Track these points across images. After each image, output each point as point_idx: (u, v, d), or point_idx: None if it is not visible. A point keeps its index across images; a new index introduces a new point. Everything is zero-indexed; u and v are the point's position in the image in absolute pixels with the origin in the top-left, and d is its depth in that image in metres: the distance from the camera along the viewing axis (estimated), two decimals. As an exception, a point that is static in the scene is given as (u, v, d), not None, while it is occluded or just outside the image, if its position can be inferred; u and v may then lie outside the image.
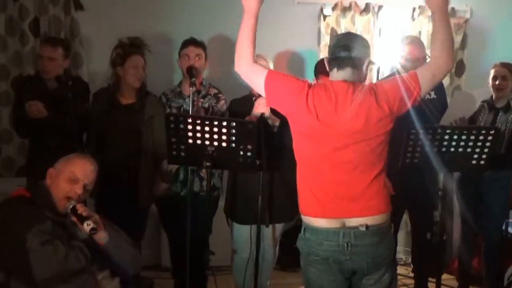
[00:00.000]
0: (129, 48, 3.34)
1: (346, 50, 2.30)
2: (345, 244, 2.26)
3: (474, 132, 2.91)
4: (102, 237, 2.37)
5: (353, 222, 2.27)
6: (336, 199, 2.28)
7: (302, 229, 2.39)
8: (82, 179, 2.44)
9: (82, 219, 2.30)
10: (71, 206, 2.33)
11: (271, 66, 3.37)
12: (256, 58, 3.29)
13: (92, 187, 2.52)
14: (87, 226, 2.28)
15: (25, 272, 2.22)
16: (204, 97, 3.52)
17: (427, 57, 3.43)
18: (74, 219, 2.32)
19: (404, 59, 3.53)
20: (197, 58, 3.48)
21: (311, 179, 2.34)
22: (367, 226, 2.25)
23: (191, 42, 3.52)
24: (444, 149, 2.92)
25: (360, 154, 2.26)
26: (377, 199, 2.30)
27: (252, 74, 2.38)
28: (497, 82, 3.71)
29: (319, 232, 2.30)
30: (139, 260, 2.67)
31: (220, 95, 3.57)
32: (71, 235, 2.37)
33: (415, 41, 3.59)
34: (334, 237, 2.27)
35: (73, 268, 2.28)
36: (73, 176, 2.42)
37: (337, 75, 2.32)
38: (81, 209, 2.33)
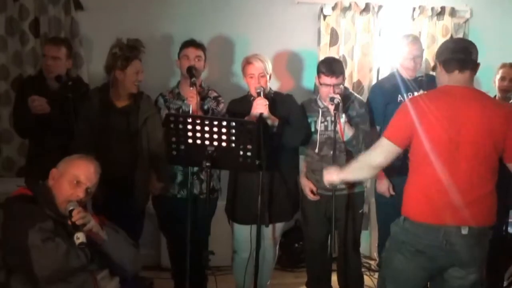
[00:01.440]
0: (130, 52, 3.25)
1: (466, 53, 2.32)
2: (445, 241, 2.30)
3: None
4: (98, 239, 2.37)
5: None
6: (444, 205, 2.31)
7: (402, 217, 2.41)
8: (85, 182, 2.43)
9: (75, 228, 2.28)
10: (69, 210, 2.32)
11: (270, 66, 3.35)
12: (253, 59, 3.31)
13: (95, 189, 2.51)
14: (77, 239, 2.25)
15: (27, 269, 2.21)
16: (203, 99, 3.51)
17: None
18: (70, 223, 2.31)
19: (404, 58, 3.54)
20: (197, 59, 3.45)
21: (423, 183, 2.37)
22: (469, 228, 2.29)
23: (192, 43, 3.50)
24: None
25: (473, 165, 2.29)
26: (484, 212, 2.34)
27: (383, 152, 2.43)
28: (505, 84, 3.68)
29: (420, 226, 2.34)
30: (139, 260, 2.66)
31: (220, 98, 3.55)
32: (71, 233, 2.35)
33: (414, 40, 3.59)
34: (435, 233, 2.31)
35: (74, 266, 2.27)
36: (76, 179, 2.41)
37: (458, 77, 2.34)
38: (76, 217, 2.30)
